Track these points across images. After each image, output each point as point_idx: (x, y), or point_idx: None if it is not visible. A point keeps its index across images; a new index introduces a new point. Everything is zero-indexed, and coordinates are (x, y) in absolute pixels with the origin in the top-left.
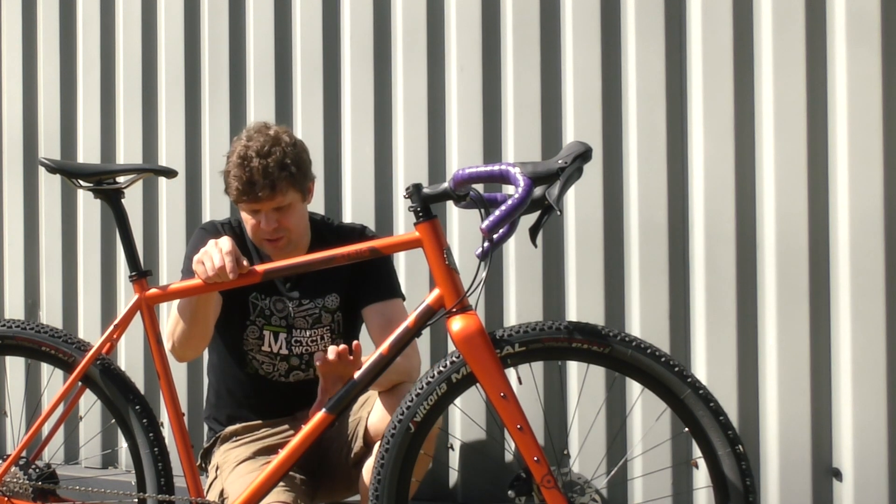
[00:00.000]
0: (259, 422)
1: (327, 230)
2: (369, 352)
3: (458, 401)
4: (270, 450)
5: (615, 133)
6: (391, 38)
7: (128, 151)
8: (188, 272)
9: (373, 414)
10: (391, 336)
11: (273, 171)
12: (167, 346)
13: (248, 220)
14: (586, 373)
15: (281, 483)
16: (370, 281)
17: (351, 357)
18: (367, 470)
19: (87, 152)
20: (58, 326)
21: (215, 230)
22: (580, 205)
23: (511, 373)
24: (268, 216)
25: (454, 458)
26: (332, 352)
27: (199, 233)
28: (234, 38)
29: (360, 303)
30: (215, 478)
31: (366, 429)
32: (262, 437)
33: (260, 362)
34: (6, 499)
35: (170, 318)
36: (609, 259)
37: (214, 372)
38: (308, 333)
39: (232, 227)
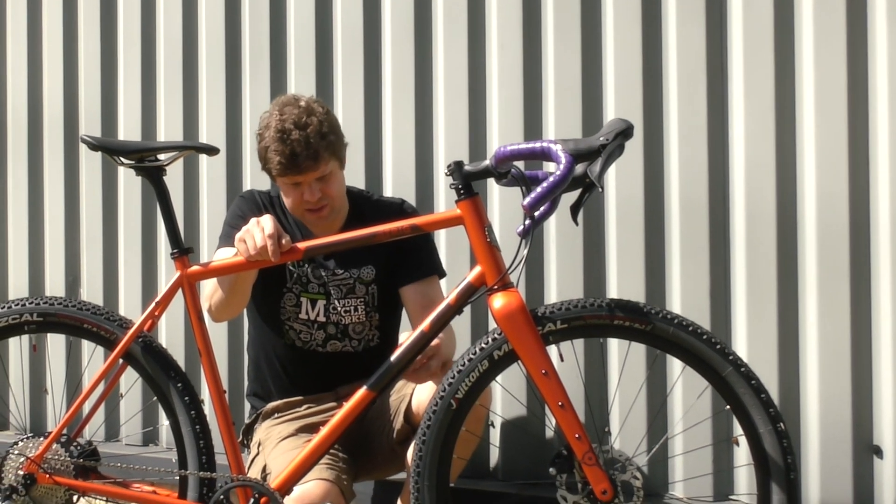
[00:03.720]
0: (300, 398)
1: (365, 203)
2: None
3: (499, 378)
4: (313, 427)
5: (656, 111)
6: (432, 17)
7: (168, 129)
8: (226, 238)
9: (416, 392)
10: (432, 313)
11: (314, 141)
12: (204, 307)
13: (288, 193)
14: (628, 350)
15: (323, 460)
16: (409, 260)
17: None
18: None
19: (128, 129)
20: (98, 304)
21: (254, 200)
22: (621, 182)
23: (552, 350)
24: (311, 187)
25: (495, 436)
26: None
27: (238, 201)
28: (274, 14)
29: (398, 282)
30: (257, 454)
31: (408, 406)
32: (304, 414)
33: (297, 332)
34: (48, 476)
35: (208, 282)
36: (650, 237)
37: (253, 345)
38: (341, 303)
39: (271, 198)
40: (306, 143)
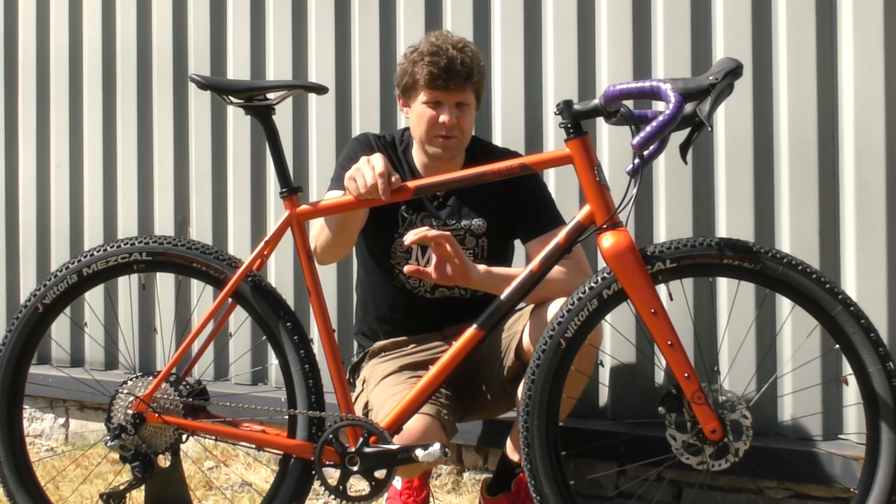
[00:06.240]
0: (406, 338)
1: (479, 148)
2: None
3: (608, 317)
4: (417, 365)
5: (765, 49)
6: None
7: (277, 68)
8: (337, 181)
9: (528, 329)
10: (542, 252)
11: (469, 63)
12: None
13: (423, 115)
14: (737, 289)
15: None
16: (529, 213)
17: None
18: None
19: (237, 69)
20: (208, 243)
21: (368, 143)
22: (730, 121)
23: (661, 289)
24: (450, 109)
25: (604, 375)
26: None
27: (352, 143)
28: None
29: (521, 237)
30: (361, 391)
31: (519, 343)
32: (409, 353)
33: (407, 276)
34: (156, 415)
35: (315, 223)
36: (759, 175)
37: (361, 286)
38: None
39: (386, 141)
40: (461, 61)
